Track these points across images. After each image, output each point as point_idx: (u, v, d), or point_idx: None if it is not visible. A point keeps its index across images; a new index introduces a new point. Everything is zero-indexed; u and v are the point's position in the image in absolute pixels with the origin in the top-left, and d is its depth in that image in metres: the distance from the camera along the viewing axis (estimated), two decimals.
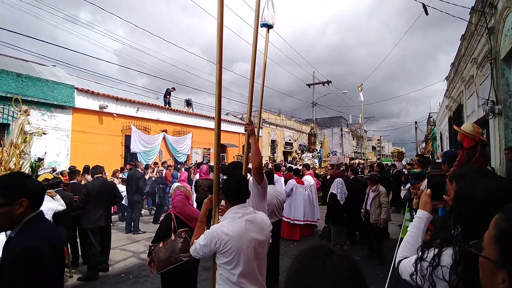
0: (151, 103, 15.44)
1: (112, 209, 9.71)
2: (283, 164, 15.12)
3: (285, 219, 7.31)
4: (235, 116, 24.48)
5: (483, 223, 0.88)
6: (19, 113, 5.82)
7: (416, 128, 38.83)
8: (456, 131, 3.96)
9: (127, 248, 6.87)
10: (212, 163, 11.44)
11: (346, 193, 6.30)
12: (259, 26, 3.13)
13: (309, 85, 24.73)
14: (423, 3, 6.58)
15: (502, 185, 1.20)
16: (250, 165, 4.41)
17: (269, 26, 3.36)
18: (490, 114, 6.49)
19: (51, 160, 10.58)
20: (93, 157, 11.16)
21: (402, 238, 5.20)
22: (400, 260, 1.47)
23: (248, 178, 3.06)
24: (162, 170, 11.43)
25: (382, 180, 8.13)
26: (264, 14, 3.27)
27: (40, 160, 6.30)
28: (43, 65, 13.08)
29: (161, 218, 7.32)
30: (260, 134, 22.34)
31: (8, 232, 1.62)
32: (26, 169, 5.64)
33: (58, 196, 4.56)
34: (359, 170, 12.29)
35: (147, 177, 10.10)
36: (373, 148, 65.50)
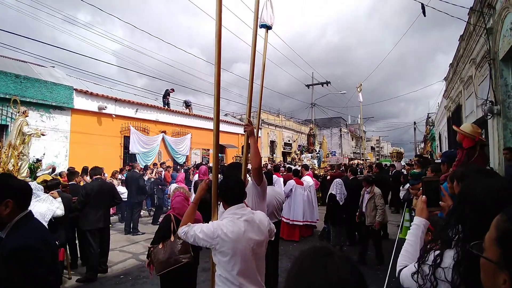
0: (150, 104, 15.42)
1: (111, 210, 9.72)
2: (282, 165, 15.12)
3: (285, 220, 7.30)
4: (234, 117, 24.48)
5: (485, 224, 0.88)
6: (17, 114, 5.80)
7: (415, 129, 38.89)
8: (455, 132, 3.97)
9: (126, 249, 6.85)
10: (211, 164, 11.42)
11: (346, 194, 6.29)
12: (258, 27, 3.13)
13: (308, 85, 24.74)
14: (421, 3, 6.60)
15: (505, 186, 1.20)
16: (249, 166, 4.41)
17: (268, 27, 3.36)
18: (488, 114, 6.50)
19: (50, 161, 10.55)
20: (92, 158, 11.13)
21: (400, 238, 5.21)
22: (401, 270, 1.46)
23: (247, 179, 3.06)
24: (161, 171, 11.42)
25: (381, 181, 8.16)
26: (263, 15, 3.27)
27: (39, 161, 6.27)
28: (42, 66, 13.06)
29: (160, 219, 7.33)
30: (259, 135, 22.34)
31: None
32: (25, 171, 5.61)
33: (59, 199, 4.53)
34: (358, 170, 12.31)
35: (146, 178, 10.10)
36: (372, 148, 65.54)
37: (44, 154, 9.94)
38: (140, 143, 14.10)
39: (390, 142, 74.17)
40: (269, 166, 13.99)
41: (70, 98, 11.61)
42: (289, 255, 6.09)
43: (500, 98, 6.12)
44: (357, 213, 6.10)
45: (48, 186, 4.88)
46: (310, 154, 16.69)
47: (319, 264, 0.74)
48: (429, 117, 28.98)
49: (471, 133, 3.66)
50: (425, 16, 6.86)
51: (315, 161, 16.18)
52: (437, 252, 1.25)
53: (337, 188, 6.36)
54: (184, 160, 16.54)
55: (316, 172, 14.14)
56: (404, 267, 1.44)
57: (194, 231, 2.04)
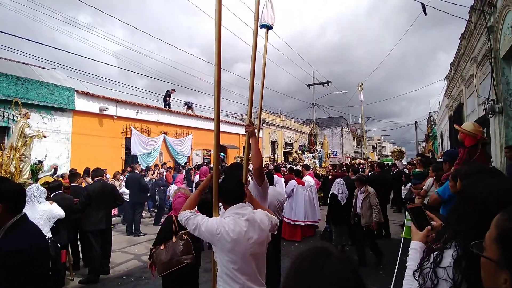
0: (151, 105, 15.44)
1: (113, 211, 9.74)
2: (284, 165, 15.11)
3: (286, 220, 7.30)
4: (235, 117, 24.50)
5: (486, 223, 0.88)
6: (19, 116, 5.81)
7: (416, 128, 38.79)
8: (457, 131, 3.96)
9: (128, 250, 6.86)
10: (212, 165, 11.43)
11: (347, 194, 6.28)
12: (259, 27, 3.13)
13: (309, 85, 24.73)
14: (422, 3, 6.58)
15: (507, 186, 1.20)
16: (250, 166, 4.40)
17: (268, 27, 3.36)
18: (490, 112, 6.49)
19: (52, 163, 10.57)
20: (94, 159, 11.15)
21: (404, 238, 5.18)
22: None
23: (248, 179, 3.06)
24: (163, 172, 11.44)
25: (383, 180, 8.15)
26: (263, 15, 3.27)
27: (40, 163, 6.28)
28: (43, 68, 13.10)
29: (162, 220, 7.34)
30: (260, 135, 22.30)
31: None
32: (27, 173, 5.63)
33: (55, 204, 4.47)
34: (360, 170, 12.29)
35: (148, 179, 10.11)
36: (374, 148, 65.45)
37: (46, 156, 9.98)
38: (141, 144, 14.12)
39: (391, 142, 74.03)
40: (270, 166, 13.98)
41: (72, 100, 11.64)
42: (291, 255, 6.08)
43: (502, 96, 6.10)
44: (351, 214, 5.97)
45: (50, 188, 4.88)
46: (311, 154, 16.68)
47: (317, 265, 0.75)
48: (431, 116, 28.93)
49: (473, 132, 3.65)
50: (426, 14, 6.85)
51: (317, 161, 16.18)
52: (437, 252, 1.24)
53: (338, 188, 6.34)
54: (185, 161, 16.56)
55: (317, 172, 14.13)
56: None
57: (198, 222, 2.04)
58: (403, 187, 9.17)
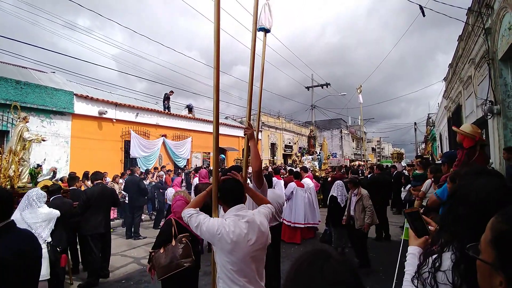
0: (150, 108, 15.46)
1: (113, 215, 9.73)
2: (283, 167, 15.11)
3: (286, 223, 7.29)
4: (235, 120, 24.52)
5: (480, 224, 0.88)
6: (18, 120, 5.81)
7: (415, 129, 38.86)
8: (456, 132, 3.97)
9: (128, 253, 6.84)
10: (212, 167, 11.43)
11: (347, 196, 6.28)
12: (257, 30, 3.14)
13: (308, 87, 24.79)
14: (419, 5, 6.62)
15: (499, 186, 1.20)
16: (250, 169, 4.40)
17: (266, 30, 3.37)
18: (488, 114, 6.50)
19: (51, 166, 10.57)
20: (93, 162, 11.15)
21: (404, 240, 5.18)
22: None
23: (247, 182, 3.06)
24: (162, 174, 11.43)
25: (383, 182, 8.15)
26: (261, 19, 3.29)
27: (39, 166, 6.28)
28: (42, 71, 13.13)
29: (161, 223, 7.32)
30: (260, 137, 22.35)
31: None
32: (26, 176, 5.62)
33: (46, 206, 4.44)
34: (359, 172, 12.29)
35: (147, 182, 10.10)
36: (373, 149, 65.46)
37: (45, 159, 9.98)
38: (140, 147, 14.12)
39: (391, 143, 74.11)
40: (269, 169, 13.98)
41: (71, 103, 11.65)
42: (291, 258, 6.07)
43: (500, 97, 6.12)
44: (344, 217, 5.91)
45: (50, 192, 4.88)
46: (311, 156, 16.69)
47: (316, 267, 0.75)
48: (430, 118, 28.97)
49: (471, 133, 3.66)
50: (424, 16, 6.89)
51: (316, 163, 16.19)
52: (435, 255, 1.24)
53: (338, 190, 6.34)
54: (185, 164, 16.55)
55: (317, 174, 14.13)
56: None
57: (200, 220, 2.06)
58: (402, 188, 9.18)
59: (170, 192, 8.02)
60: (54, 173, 10.25)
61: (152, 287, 4.74)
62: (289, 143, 29.61)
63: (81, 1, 8.89)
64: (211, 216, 2.36)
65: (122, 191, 9.00)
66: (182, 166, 15.92)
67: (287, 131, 29.33)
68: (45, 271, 3.66)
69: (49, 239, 3.86)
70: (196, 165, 15.29)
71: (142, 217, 9.41)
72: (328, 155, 19.43)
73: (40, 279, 3.66)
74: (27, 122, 5.84)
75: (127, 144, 13.87)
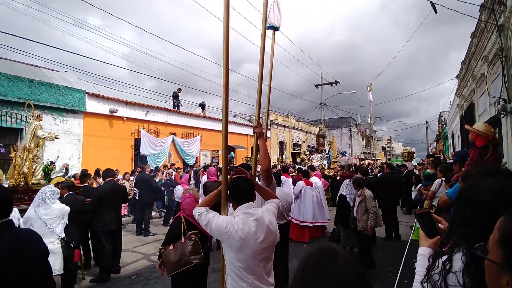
0: (160, 106, 15.60)
1: (123, 211, 9.88)
2: (292, 166, 15.09)
3: (294, 221, 7.29)
4: (243, 118, 24.54)
5: (489, 225, 0.88)
6: (31, 118, 5.94)
7: (426, 128, 38.25)
8: (468, 130, 3.90)
9: (138, 250, 6.94)
10: (220, 165, 11.48)
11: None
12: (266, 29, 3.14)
13: (317, 86, 24.64)
14: (431, 1, 6.52)
15: (506, 185, 1.18)
16: (258, 167, 4.41)
17: (275, 29, 3.37)
18: (502, 112, 6.37)
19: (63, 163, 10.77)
20: (104, 160, 11.31)
21: (413, 240, 5.13)
22: None
23: (256, 180, 3.07)
24: (172, 172, 11.54)
25: (393, 181, 8.09)
26: (270, 17, 3.29)
27: (52, 163, 6.40)
28: (55, 70, 13.36)
29: (171, 220, 7.40)
30: (268, 136, 22.33)
31: None
32: (39, 173, 5.75)
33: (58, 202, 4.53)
34: (369, 170, 12.19)
35: (157, 179, 10.22)
36: (383, 148, 64.79)
37: (58, 157, 10.15)
38: (150, 145, 14.27)
39: (401, 142, 73.23)
40: (278, 167, 13.97)
41: (83, 102, 11.84)
42: (299, 257, 6.07)
43: None
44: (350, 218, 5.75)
45: (69, 187, 4.99)
46: (319, 155, 16.63)
47: (323, 265, 0.76)
48: (442, 116, 28.50)
49: (484, 132, 3.59)
50: (436, 12, 6.78)
51: (325, 162, 16.12)
52: (445, 257, 1.22)
53: (347, 189, 6.32)
54: (194, 162, 16.66)
55: (326, 172, 14.07)
56: None
57: (209, 218, 2.10)
58: (413, 188, 9.08)
59: (178, 189, 8.09)
60: (66, 169, 10.44)
61: (162, 283, 4.80)
62: (298, 141, 29.52)
63: (92, 0, 9.01)
64: (220, 213, 2.38)
65: (134, 188, 9.11)
66: (191, 164, 16.03)
67: (296, 129, 29.23)
68: (58, 266, 3.75)
69: (63, 235, 3.94)
70: (205, 163, 15.38)
71: (152, 214, 9.52)
72: (337, 154, 19.33)
73: (54, 274, 3.76)
74: (40, 120, 5.96)
75: (137, 142, 14.03)
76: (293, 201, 6.67)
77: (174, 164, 13.64)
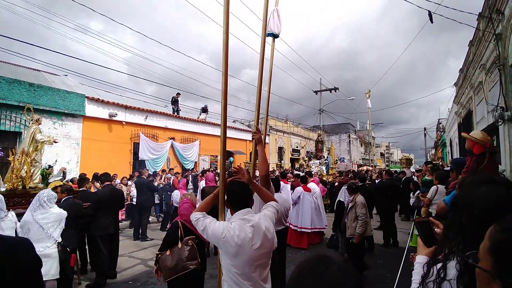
0: (159, 111, 15.63)
1: (120, 216, 9.84)
2: (290, 172, 15.08)
3: (292, 227, 7.27)
4: (242, 123, 24.58)
5: (483, 233, 0.89)
6: (31, 122, 5.93)
7: (425, 135, 38.35)
8: (465, 139, 3.92)
9: (135, 255, 6.90)
10: (219, 170, 11.49)
11: None
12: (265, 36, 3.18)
13: (316, 92, 24.74)
14: (428, 11, 6.58)
15: (500, 194, 1.19)
16: (257, 173, 4.42)
17: (274, 36, 3.41)
18: (499, 120, 6.41)
19: (61, 167, 10.75)
20: (103, 164, 11.30)
21: (411, 246, 5.12)
22: None
23: None
24: (170, 177, 11.52)
25: (392, 187, 8.09)
26: (269, 24, 3.33)
27: (50, 167, 6.39)
28: (55, 74, 13.39)
29: (168, 225, 7.37)
30: (267, 141, 22.35)
31: None
32: (37, 177, 5.73)
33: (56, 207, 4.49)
34: (367, 177, 12.20)
35: (155, 184, 10.19)
36: (382, 154, 64.85)
37: (56, 160, 10.16)
38: (149, 149, 14.26)
39: (400, 148, 73.27)
40: (276, 173, 13.96)
41: (82, 106, 11.85)
42: (297, 263, 6.03)
43: (511, 104, 6.04)
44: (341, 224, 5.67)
45: (67, 191, 4.98)
46: (318, 161, 16.63)
47: (318, 272, 0.77)
48: (440, 123, 28.62)
49: (481, 139, 3.61)
50: (432, 23, 6.85)
51: (324, 168, 16.12)
52: (439, 265, 1.23)
53: (345, 195, 6.31)
54: (192, 167, 16.65)
55: (324, 178, 14.07)
56: None
57: (206, 224, 2.10)
58: (411, 194, 9.07)
59: (176, 194, 8.07)
60: (64, 173, 10.42)
61: None
62: (297, 147, 29.55)
63: (94, 5, 9.08)
64: (218, 219, 2.39)
65: (131, 193, 9.09)
66: (190, 169, 16.01)
67: (294, 135, 29.28)
68: (54, 271, 3.73)
69: (60, 239, 3.92)
70: (203, 168, 15.36)
71: (150, 219, 9.48)
72: (336, 160, 19.34)
73: (50, 279, 3.74)
74: (39, 124, 5.96)
75: (136, 146, 14.02)
76: (291, 207, 6.66)
77: (172, 169, 13.63)
